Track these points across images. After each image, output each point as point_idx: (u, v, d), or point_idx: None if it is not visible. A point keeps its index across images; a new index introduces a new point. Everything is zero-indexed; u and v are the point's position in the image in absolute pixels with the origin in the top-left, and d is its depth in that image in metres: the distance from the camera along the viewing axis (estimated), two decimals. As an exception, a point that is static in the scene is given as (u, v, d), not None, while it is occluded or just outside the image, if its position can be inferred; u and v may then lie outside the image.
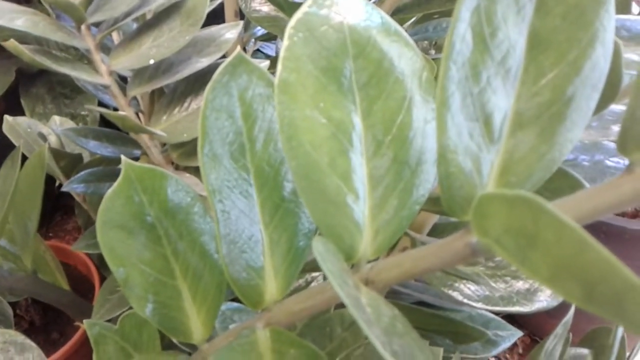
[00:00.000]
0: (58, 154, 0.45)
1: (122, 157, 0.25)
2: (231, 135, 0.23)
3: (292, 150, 0.19)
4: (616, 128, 0.31)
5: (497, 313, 0.46)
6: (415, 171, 0.20)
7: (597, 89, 0.16)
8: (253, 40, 0.61)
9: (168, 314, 0.28)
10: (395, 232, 0.21)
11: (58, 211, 0.87)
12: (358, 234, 0.20)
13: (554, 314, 0.81)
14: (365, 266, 0.21)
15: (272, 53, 0.65)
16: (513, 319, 0.77)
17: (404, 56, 0.20)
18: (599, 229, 0.60)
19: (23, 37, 0.35)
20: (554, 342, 0.34)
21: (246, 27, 0.56)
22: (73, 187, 0.40)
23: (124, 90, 0.36)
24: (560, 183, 0.22)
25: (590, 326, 0.48)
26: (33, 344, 0.40)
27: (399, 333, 0.15)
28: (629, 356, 0.52)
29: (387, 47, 0.20)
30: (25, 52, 0.29)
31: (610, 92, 0.20)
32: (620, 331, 0.43)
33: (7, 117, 0.48)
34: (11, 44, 0.28)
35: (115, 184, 0.25)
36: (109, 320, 0.46)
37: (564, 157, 0.17)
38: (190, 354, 0.33)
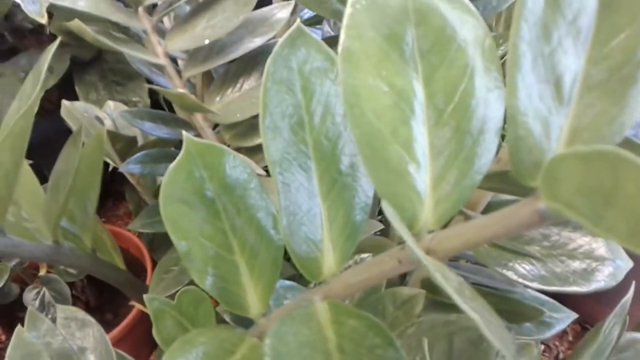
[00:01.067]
0: (114, 136, 0.47)
1: (184, 132, 0.26)
2: (290, 108, 0.23)
3: (354, 118, 0.19)
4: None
5: (550, 296, 0.45)
6: (477, 140, 0.20)
7: (672, 49, 0.16)
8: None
9: (226, 287, 0.28)
10: (456, 202, 0.21)
11: (110, 197, 0.90)
12: (419, 203, 0.21)
13: (604, 301, 0.79)
14: (426, 236, 0.21)
15: (319, 37, 0.64)
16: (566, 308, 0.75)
17: (466, 23, 0.20)
18: None
19: (81, 19, 0.36)
20: (612, 322, 0.33)
21: (292, 11, 0.56)
22: (130, 167, 0.41)
23: (178, 73, 0.37)
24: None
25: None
26: (93, 320, 0.42)
27: (468, 297, 0.15)
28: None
29: (449, 14, 0.19)
30: (89, 31, 0.30)
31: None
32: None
33: (64, 102, 0.49)
34: (75, 24, 0.29)
35: (177, 158, 0.26)
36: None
37: (634, 121, 0.17)
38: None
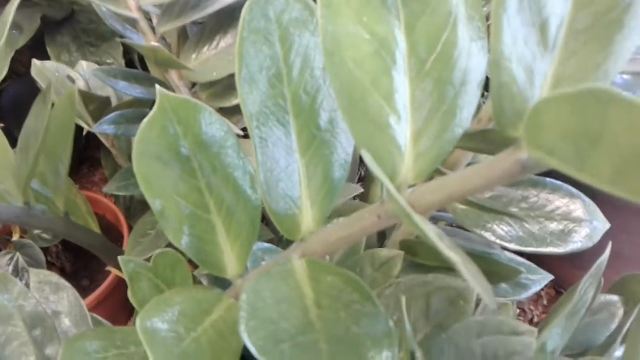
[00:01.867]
0: (87, 97, 0.45)
1: (157, 87, 0.25)
2: (268, 60, 0.22)
3: (334, 67, 0.18)
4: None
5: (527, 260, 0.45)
6: (460, 92, 0.20)
7: (660, -7, 0.15)
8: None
9: (203, 247, 0.28)
10: (437, 156, 0.21)
11: (85, 163, 0.88)
12: (400, 156, 0.20)
13: (579, 266, 0.81)
14: (406, 191, 0.21)
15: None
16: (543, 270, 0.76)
17: (450, -30, 0.19)
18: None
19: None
20: (588, 283, 0.34)
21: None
22: (103, 128, 0.40)
23: (153, 29, 0.35)
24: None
25: (617, 278, 0.47)
26: (67, 284, 0.41)
27: (447, 246, 0.15)
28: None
29: (433, -40, 0.19)
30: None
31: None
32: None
33: (35, 61, 0.47)
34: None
35: (151, 114, 0.25)
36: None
37: (620, 69, 0.16)
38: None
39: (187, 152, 0.26)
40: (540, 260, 0.68)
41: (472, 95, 0.20)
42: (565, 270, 0.76)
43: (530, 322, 0.76)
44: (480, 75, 0.20)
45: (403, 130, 0.20)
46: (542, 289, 0.80)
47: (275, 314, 0.19)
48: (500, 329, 0.26)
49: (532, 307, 0.77)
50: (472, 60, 0.20)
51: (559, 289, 0.80)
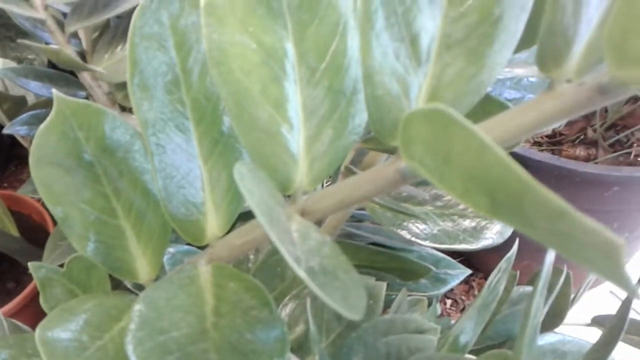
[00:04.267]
0: (0, 95, 0.43)
1: (54, 91, 0.24)
2: (164, 66, 0.22)
3: (221, 76, 0.18)
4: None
5: (450, 254, 0.47)
6: (351, 100, 0.20)
7: (526, 9, 0.16)
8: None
9: (112, 253, 0.27)
10: (331, 162, 0.21)
11: (12, 161, 0.85)
12: (293, 164, 0.20)
13: (509, 257, 0.84)
14: (301, 197, 0.21)
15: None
16: (470, 262, 0.79)
17: (337, -21, 0.19)
18: (549, 173, 0.61)
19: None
20: (497, 277, 0.35)
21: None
22: (15, 129, 0.38)
23: (62, 28, 0.34)
24: (490, 109, 0.22)
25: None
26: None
27: (324, 255, 0.15)
28: (575, 296, 0.54)
29: (320, -31, 0.19)
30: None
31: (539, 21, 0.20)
32: (548, 271, 0.44)
33: (-57, 59, 0.45)
34: None
35: (48, 119, 0.24)
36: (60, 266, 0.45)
37: (493, 80, 0.17)
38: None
39: (90, 157, 0.25)
40: (472, 253, 0.70)
41: (363, 102, 0.20)
42: (494, 261, 0.79)
43: (462, 311, 0.79)
44: (371, 83, 0.20)
45: (295, 138, 0.20)
46: (473, 279, 0.83)
47: (167, 323, 0.19)
48: (406, 327, 0.27)
49: (463, 297, 0.80)
50: (362, 69, 0.20)
51: (489, 279, 0.83)
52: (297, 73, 0.19)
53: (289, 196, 0.21)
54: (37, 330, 0.24)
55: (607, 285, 0.88)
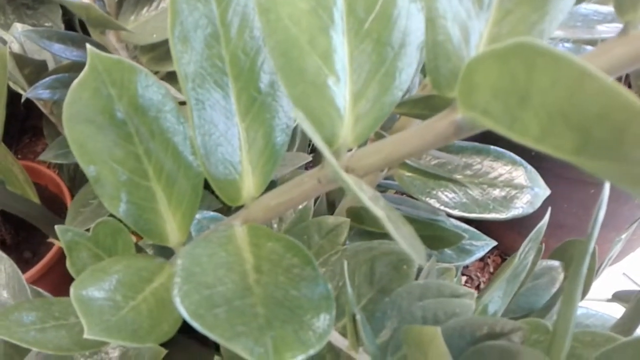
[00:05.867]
0: (21, 59, 0.43)
1: (88, 46, 0.24)
2: (204, 18, 0.21)
3: (269, 24, 0.18)
4: (601, 27, 0.30)
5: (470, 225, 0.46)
6: (399, 54, 0.20)
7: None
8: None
9: (142, 215, 0.27)
10: (376, 118, 0.20)
11: (26, 133, 0.84)
12: (339, 119, 0.20)
13: (525, 233, 0.83)
14: (345, 154, 0.20)
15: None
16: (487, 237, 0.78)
17: None
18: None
19: None
20: (527, 247, 0.35)
21: None
22: (38, 92, 0.38)
23: (88, -12, 0.34)
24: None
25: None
26: (4, 255, 0.40)
27: (382, 206, 0.15)
28: (599, 269, 0.54)
29: None
30: None
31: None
32: (592, 244, 0.44)
33: (-36, 23, 0.45)
34: None
35: (82, 74, 0.24)
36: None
37: (555, 29, 0.16)
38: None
39: (122, 115, 0.25)
40: (487, 228, 0.69)
41: (411, 57, 0.20)
42: (511, 238, 0.78)
43: (477, 288, 0.78)
44: (420, 37, 0.20)
45: (342, 91, 0.19)
46: (488, 256, 0.82)
47: (211, 278, 0.19)
48: (441, 292, 0.26)
49: (478, 274, 0.80)
50: (412, 21, 0.19)
51: (504, 256, 0.83)
52: (346, 23, 0.19)
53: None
54: (72, 288, 0.24)
55: (621, 266, 0.87)
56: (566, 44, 0.34)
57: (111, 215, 0.34)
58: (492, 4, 0.16)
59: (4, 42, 0.45)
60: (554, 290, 0.49)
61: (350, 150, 0.21)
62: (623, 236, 0.50)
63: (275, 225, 0.42)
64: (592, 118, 0.10)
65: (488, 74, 0.13)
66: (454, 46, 0.16)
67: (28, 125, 0.84)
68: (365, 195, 0.12)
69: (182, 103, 0.29)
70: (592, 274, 0.46)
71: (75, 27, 0.58)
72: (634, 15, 0.14)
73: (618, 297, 0.53)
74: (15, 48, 0.45)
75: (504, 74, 0.12)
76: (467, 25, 0.16)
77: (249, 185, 0.25)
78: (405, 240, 0.12)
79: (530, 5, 0.16)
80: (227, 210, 0.51)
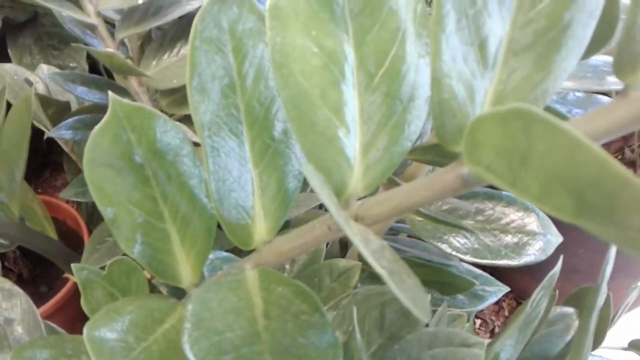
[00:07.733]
0: (45, 100, 0.44)
1: (110, 93, 0.25)
2: (221, 70, 0.22)
3: (283, 78, 0.18)
4: (611, 79, 0.31)
5: (484, 270, 0.46)
6: (407, 107, 0.20)
7: (594, 16, 0.16)
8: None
9: (157, 256, 0.28)
10: (386, 168, 0.21)
11: (47, 168, 0.86)
12: (349, 169, 0.20)
13: (540, 278, 0.82)
14: (355, 203, 0.21)
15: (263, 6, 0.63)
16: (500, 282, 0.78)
17: (398, -14, 0.19)
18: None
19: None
20: (540, 295, 0.34)
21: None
22: (61, 133, 0.39)
23: (112, 34, 0.35)
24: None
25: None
26: (21, 291, 0.40)
27: (387, 258, 0.15)
28: (614, 316, 0.53)
29: (382, -24, 0.19)
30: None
31: (606, 29, 0.20)
32: (604, 289, 0.43)
33: (-7, 64, 0.46)
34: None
35: (103, 120, 0.25)
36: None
37: (558, 87, 0.17)
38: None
39: (140, 159, 0.26)
40: (502, 273, 0.69)
41: (420, 109, 0.20)
42: (526, 282, 0.77)
43: (492, 332, 0.77)
44: (428, 90, 0.20)
45: (352, 142, 0.20)
46: (503, 300, 0.81)
47: (221, 324, 0.19)
48: (451, 340, 0.26)
49: (493, 318, 0.79)
50: (420, 76, 0.20)
51: (520, 301, 0.82)
52: (356, 78, 0.19)
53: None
54: (85, 329, 0.24)
55: (638, 313, 0.86)
56: (577, 94, 0.34)
57: (126, 253, 0.34)
58: (497, 63, 0.16)
59: (30, 83, 0.46)
60: (568, 337, 0.48)
61: (360, 198, 0.21)
62: (639, 283, 0.49)
63: (287, 266, 0.42)
64: (586, 184, 0.10)
65: (491, 134, 0.14)
66: (459, 104, 0.16)
67: (49, 160, 0.86)
68: (368, 250, 0.13)
69: (198, 144, 0.29)
70: (606, 322, 0.45)
71: (99, 69, 0.60)
72: (634, 77, 0.14)
73: (634, 345, 0.52)
74: (40, 89, 0.47)
75: (506, 135, 0.13)
76: (472, 84, 0.16)
77: (261, 229, 0.25)
78: (407, 295, 0.12)
79: (534, 66, 0.16)
80: (240, 250, 0.52)
